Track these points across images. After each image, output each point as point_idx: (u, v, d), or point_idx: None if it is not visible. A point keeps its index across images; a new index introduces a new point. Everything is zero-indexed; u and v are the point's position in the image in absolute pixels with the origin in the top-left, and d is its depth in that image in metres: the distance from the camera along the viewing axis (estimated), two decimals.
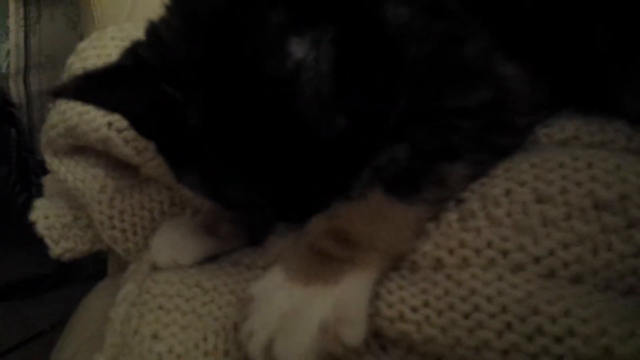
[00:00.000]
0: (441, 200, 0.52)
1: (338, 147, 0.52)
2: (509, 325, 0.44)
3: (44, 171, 0.88)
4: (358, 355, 0.50)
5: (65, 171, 0.78)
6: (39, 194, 0.89)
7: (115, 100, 0.57)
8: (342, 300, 0.47)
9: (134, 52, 0.58)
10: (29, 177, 1.40)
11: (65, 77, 0.79)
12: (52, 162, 0.80)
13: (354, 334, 0.47)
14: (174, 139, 0.58)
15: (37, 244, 0.81)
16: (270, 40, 0.51)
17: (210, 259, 0.67)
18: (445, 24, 0.56)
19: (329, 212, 0.52)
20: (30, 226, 0.81)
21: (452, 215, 0.50)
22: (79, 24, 1.33)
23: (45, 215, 0.80)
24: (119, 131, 0.73)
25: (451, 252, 0.49)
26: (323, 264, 0.49)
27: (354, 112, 0.52)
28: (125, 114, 0.60)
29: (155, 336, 0.58)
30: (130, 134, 0.72)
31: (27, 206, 1.27)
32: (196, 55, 0.53)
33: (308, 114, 0.51)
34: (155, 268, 0.66)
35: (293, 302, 0.48)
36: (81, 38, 0.88)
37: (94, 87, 0.55)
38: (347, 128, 0.52)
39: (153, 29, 0.58)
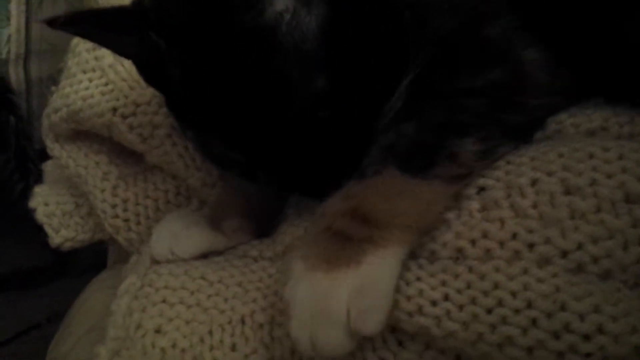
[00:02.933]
0: (457, 177, 0.49)
1: (319, 109, 0.50)
2: (534, 322, 0.42)
3: (43, 160, 0.87)
4: (374, 350, 0.49)
5: (67, 157, 0.76)
6: (37, 183, 0.87)
7: (106, 39, 0.57)
8: (364, 285, 0.45)
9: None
10: (27, 165, 1.39)
11: (68, 58, 0.77)
12: (53, 147, 0.78)
13: (374, 320, 0.45)
14: (166, 89, 0.58)
15: (35, 234, 0.79)
16: None
17: (214, 254, 0.65)
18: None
19: (343, 192, 0.50)
20: (27, 216, 0.79)
21: (474, 204, 0.48)
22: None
23: (45, 202, 0.79)
24: (124, 117, 0.71)
25: (473, 242, 0.47)
26: (342, 246, 0.47)
27: (337, 76, 0.50)
28: (123, 55, 0.61)
29: (158, 330, 0.56)
30: (136, 120, 0.71)
31: (24, 195, 1.26)
32: (181, 3, 0.52)
33: (285, 70, 0.50)
34: (155, 260, 0.64)
35: (318, 294, 0.46)
36: None
37: (88, 23, 0.54)
38: (325, 91, 0.50)
39: None
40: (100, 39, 0.59)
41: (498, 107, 0.52)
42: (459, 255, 0.47)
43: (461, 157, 0.49)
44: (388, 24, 0.53)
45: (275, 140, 0.52)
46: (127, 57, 0.62)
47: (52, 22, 0.54)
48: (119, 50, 0.61)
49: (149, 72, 0.59)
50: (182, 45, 0.52)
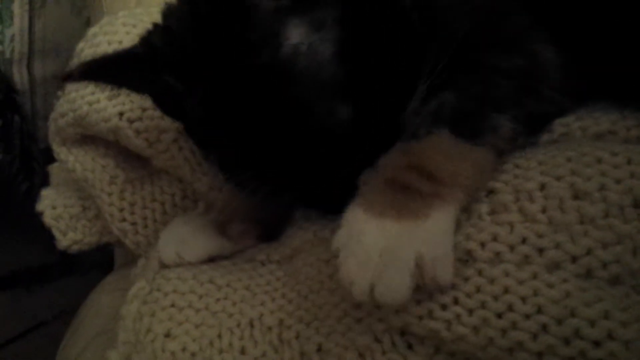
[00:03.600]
0: (499, 150, 0.51)
1: (345, 139, 0.51)
2: (544, 327, 0.42)
3: (47, 160, 0.87)
4: (383, 354, 0.49)
5: (74, 161, 0.76)
6: (42, 182, 0.88)
7: (120, 83, 0.58)
8: (435, 236, 0.46)
9: (147, 39, 0.57)
10: (32, 165, 1.38)
11: (74, 63, 0.77)
12: (60, 151, 0.78)
13: (447, 270, 0.45)
14: (184, 119, 0.58)
15: (40, 233, 0.80)
16: (262, 26, 0.49)
17: (222, 258, 0.65)
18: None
19: (401, 148, 0.50)
20: (32, 215, 0.80)
21: (483, 207, 0.48)
22: (84, 9, 1.31)
23: (53, 206, 0.79)
24: (130, 122, 0.71)
25: (483, 245, 0.47)
26: (410, 197, 0.47)
27: (360, 102, 0.50)
28: (140, 93, 0.62)
29: (168, 334, 0.56)
30: (142, 125, 0.71)
31: (29, 195, 1.26)
32: (195, 46, 0.52)
33: (307, 103, 0.49)
34: (163, 265, 0.64)
35: (388, 238, 0.45)
36: (87, 23, 0.86)
37: (101, 71, 0.56)
38: (350, 119, 0.50)
39: (168, 14, 0.57)
40: (114, 83, 0.59)
41: (522, 90, 0.52)
42: (469, 257, 0.47)
43: (501, 130, 0.50)
44: (401, 33, 0.53)
45: (299, 166, 0.52)
46: (144, 94, 0.63)
47: (66, 78, 0.56)
48: (135, 89, 0.61)
49: (165, 106, 0.60)
50: (200, 85, 0.52)
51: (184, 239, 0.64)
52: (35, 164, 1.38)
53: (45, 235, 0.80)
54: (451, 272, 0.45)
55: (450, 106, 0.51)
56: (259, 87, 0.49)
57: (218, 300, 0.58)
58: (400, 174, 0.48)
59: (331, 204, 0.53)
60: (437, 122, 0.50)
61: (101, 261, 1.00)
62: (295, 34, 0.49)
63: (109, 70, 0.56)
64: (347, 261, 0.46)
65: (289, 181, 0.54)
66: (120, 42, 0.75)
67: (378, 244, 0.45)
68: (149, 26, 0.58)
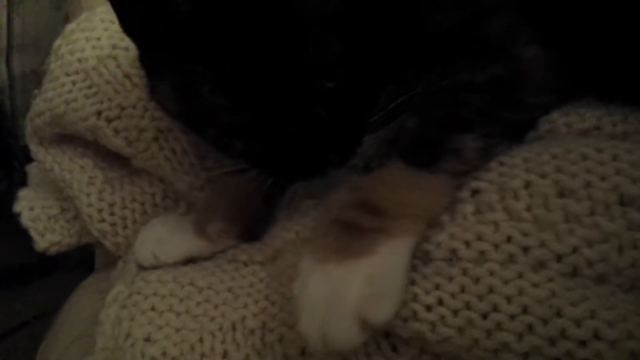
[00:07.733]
0: (460, 174, 0.49)
1: (327, 77, 0.48)
2: (530, 327, 0.41)
3: (27, 158, 0.85)
4: (367, 356, 0.48)
5: (52, 161, 0.75)
6: (22, 181, 0.86)
7: None
8: (379, 274, 0.45)
9: None
10: (12, 163, 1.37)
11: (51, 61, 0.75)
12: (37, 151, 0.77)
13: (385, 310, 0.45)
14: (157, 32, 0.52)
15: (21, 232, 0.78)
16: None
17: (203, 259, 0.64)
18: None
19: (349, 185, 0.49)
20: (12, 214, 0.78)
21: (467, 207, 0.48)
22: (63, 4, 1.29)
23: (30, 207, 0.77)
24: (109, 120, 0.70)
25: (467, 244, 0.46)
26: (353, 237, 0.46)
27: (352, 46, 0.48)
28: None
29: (148, 339, 0.56)
30: (121, 123, 0.69)
31: (9, 193, 1.24)
32: None
33: (303, 25, 0.47)
34: (141, 267, 0.63)
35: (332, 284, 0.45)
36: (66, 18, 0.84)
37: None
38: (338, 57, 0.48)
39: None
40: None
41: (499, 103, 0.51)
42: (453, 256, 0.46)
43: (464, 153, 0.49)
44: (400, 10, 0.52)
45: (279, 105, 0.48)
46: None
47: None
48: None
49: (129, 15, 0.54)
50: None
51: (161, 239, 0.63)
52: (15, 162, 1.36)
53: (26, 234, 0.78)
54: (389, 311, 0.45)
55: (411, 134, 0.50)
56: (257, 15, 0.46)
57: (199, 303, 0.57)
58: (344, 213, 0.47)
59: (305, 169, 0.52)
60: (391, 152, 0.49)
61: (84, 260, 0.98)
62: None
63: None
64: (299, 314, 0.46)
65: (267, 118, 0.50)
66: (98, 39, 0.74)
67: (322, 292, 0.45)
68: None
